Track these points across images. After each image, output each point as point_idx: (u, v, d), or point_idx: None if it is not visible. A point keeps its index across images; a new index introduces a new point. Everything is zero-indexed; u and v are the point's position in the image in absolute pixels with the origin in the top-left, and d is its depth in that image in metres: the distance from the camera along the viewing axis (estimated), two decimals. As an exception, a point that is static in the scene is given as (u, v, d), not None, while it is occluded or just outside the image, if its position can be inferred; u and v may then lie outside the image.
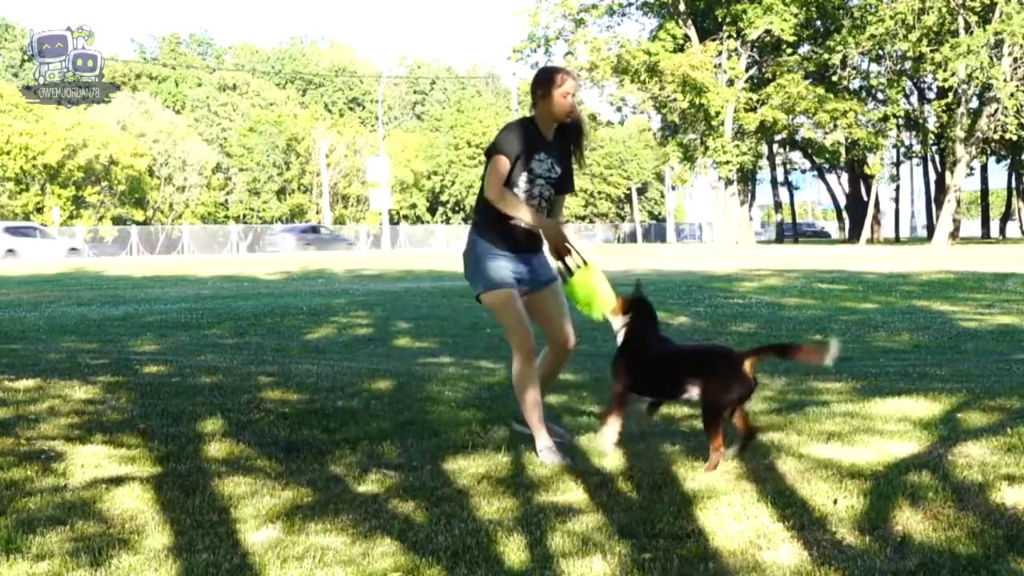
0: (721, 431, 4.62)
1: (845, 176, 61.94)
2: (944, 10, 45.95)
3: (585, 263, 5.02)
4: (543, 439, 5.00)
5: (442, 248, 62.87)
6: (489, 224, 5.07)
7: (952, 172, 49.57)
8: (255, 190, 75.61)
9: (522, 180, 5.04)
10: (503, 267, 5.06)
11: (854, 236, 56.73)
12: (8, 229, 44.94)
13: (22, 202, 60.88)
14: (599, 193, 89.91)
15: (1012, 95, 44.94)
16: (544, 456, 4.91)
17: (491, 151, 5.01)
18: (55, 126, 59.52)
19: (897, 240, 62.49)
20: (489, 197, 4.98)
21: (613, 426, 4.84)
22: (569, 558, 3.56)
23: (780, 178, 65.44)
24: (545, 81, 5.07)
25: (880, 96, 53.56)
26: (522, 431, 5.25)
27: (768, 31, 49.64)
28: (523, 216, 4.97)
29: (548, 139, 5.12)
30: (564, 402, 6.42)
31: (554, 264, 5.17)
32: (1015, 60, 45.56)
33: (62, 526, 4.00)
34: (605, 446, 4.86)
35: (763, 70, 52.88)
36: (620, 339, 4.97)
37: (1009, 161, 63.29)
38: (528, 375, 5.10)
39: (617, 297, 4.99)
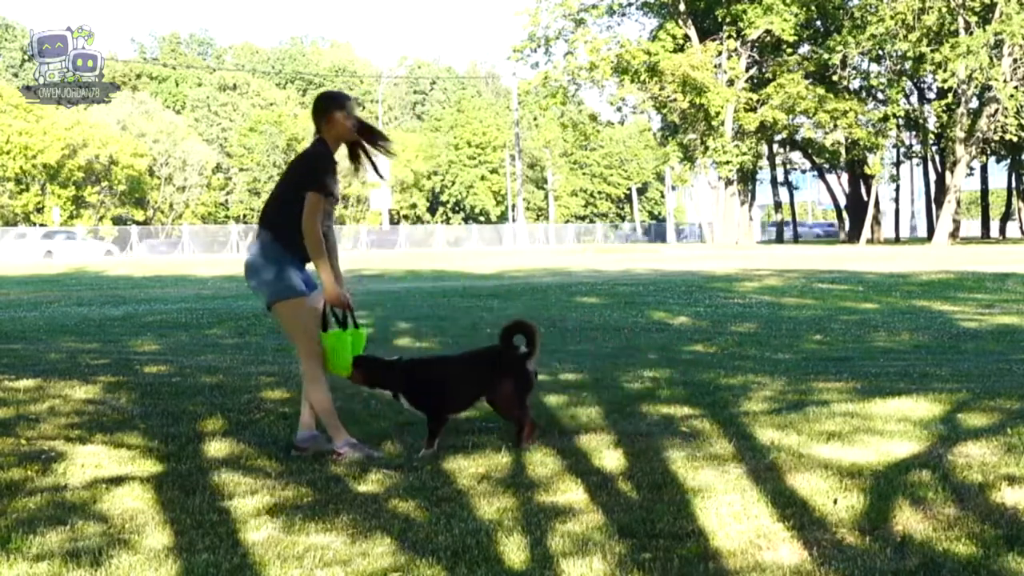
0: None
1: (845, 176, 61.89)
2: (944, 10, 45.93)
3: (356, 327, 5.29)
4: (343, 437, 5.16)
5: (443, 248, 62.87)
6: (286, 234, 5.16)
7: (952, 172, 49.56)
8: (255, 190, 75.54)
9: (327, 204, 5.22)
10: (298, 275, 5.22)
11: (854, 236, 56.70)
12: None
13: (22, 202, 60.88)
14: (599, 193, 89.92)
15: (1012, 95, 44.92)
16: (348, 451, 5.08)
17: (312, 187, 5.11)
18: (55, 126, 59.49)
19: (897, 240, 62.45)
20: (307, 235, 5.10)
21: (433, 449, 5.15)
22: (569, 558, 3.56)
23: (780, 178, 65.42)
24: (329, 107, 5.27)
25: (880, 96, 53.55)
26: (325, 447, 5.25)
27: (768, 31, 49.62)
28: (320, 263, 5.15)
29: (334, 157, 5.30)
30: (564, 402, 6.42)
31: (328, 309, 5.30)
32: (1015, 60, 45.55)
33: (62, 526, 4.00)
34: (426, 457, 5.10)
35: (763, 70, 52.86)
36: (392, 394, 5.32)
37: (1009, 161, 63.24)
38: (322, 378, 5.27)
39: (355, 368, 5.28)
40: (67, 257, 46.58)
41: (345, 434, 5.20)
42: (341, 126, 5.22)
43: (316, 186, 5.10)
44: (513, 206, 73.07)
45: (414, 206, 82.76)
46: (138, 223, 64.23)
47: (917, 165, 65.67)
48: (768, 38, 50.99)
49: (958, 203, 53.52)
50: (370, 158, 5.37)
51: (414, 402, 5.27)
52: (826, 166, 61.11)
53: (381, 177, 5.65)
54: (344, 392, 6.89)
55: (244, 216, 75.41)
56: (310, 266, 5.29)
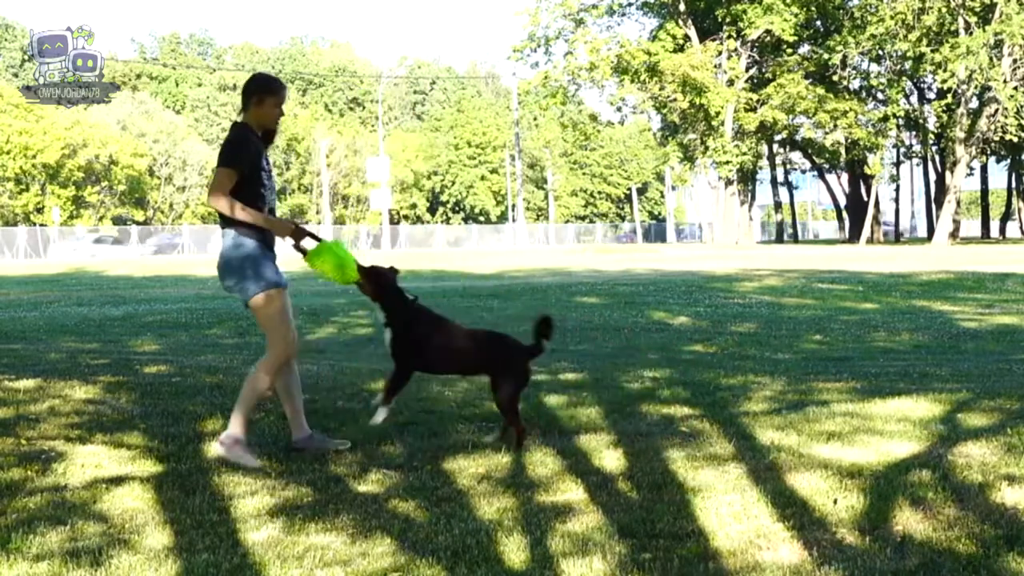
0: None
1: (845, 176, 61.88)
2: (944, 10, 45.92)
3: (320, 241, 5.27)
4: (240, 431, 5.03)
5: (443, 248, 62.88)
6: (240, 224, 5.10)
7: (952, 172, 49.55)
8: (255, 190, 75.51)
9: (260, 185, 5.19)
10: (273, 267, 5.17)
11: (854, 236, 56.69)
12: None
13: (22, 202, 60.87)
14: (599, 193, 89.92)
15: (1012, 95, 44.92)
16: (227, 445, 4.98)
17: (220, 164, 5.09)
18: (55, 126, 59.49)
19: (897, 240, 62.45)
20: (219, 209, 5.05)
21: (388, 407, 5.25)
22: (569, 558, 3.56)
23: (780, 178, 65.41)
24: (264, 90, 5.30)
25: (880, 96, 53.53)
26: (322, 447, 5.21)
27: (768, 31, 49.60)
28: (256, 220, 5.10)
29: (259, 139, 5.31)
30: (564, 402, 6.42)
31: (294, 249, 5.30)
32: (1015, 61, 45.54)
33: (62, 526, 4.00)
34: (377, 423, 5.24)
35: (763, 70, 52.84)
36: (386, 319, 5.34)
37: (1009, 161, 63.25)
38: (276, 376, 5.16)
39: (361, 274, 5.27)
40: None
41: (242, 429, 5.06)
42: (269, 113, 5.30)
43: (223, 163, 5.08)
44: (513, 206, 73.05)
45: (414, 206, 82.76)
46: (138, 223, 64.24)
47: (917, 165, 65.66)
48: (768, 38, 50.97)
49: (958, 203, 53.50)
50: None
51: (393, 347, 5.32)
52: (826, 166, 61.10)
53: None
54: (344, 392, 6.90)
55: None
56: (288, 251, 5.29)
